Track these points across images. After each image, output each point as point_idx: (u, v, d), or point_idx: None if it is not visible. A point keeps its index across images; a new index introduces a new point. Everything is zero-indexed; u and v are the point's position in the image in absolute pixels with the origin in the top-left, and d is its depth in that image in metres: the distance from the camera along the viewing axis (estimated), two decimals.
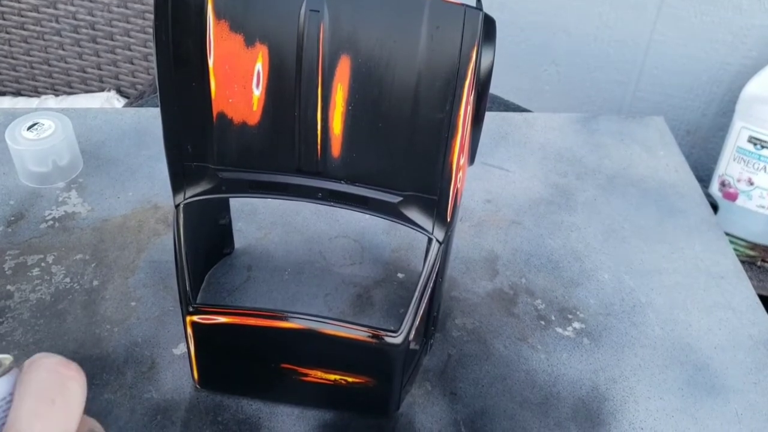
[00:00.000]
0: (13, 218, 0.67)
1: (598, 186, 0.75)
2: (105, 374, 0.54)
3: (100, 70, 1.47)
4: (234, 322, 0.49)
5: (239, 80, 0.46)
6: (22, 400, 0.28)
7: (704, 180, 1.28)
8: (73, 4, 1.40)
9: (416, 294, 0.48)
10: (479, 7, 0.43)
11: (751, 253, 1.21)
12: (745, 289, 0.65)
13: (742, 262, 0.69)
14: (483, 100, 0.46)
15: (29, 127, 0.69)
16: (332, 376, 0.51)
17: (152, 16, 0.45)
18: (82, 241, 0.65)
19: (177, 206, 0.51)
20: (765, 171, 1.14)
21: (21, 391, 0.29)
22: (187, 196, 0.51)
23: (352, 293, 0.61)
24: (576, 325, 0.61)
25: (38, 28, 1.44)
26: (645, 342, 0.60)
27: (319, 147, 0.48)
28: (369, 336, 0.48)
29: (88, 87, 1.50)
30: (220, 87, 0.46)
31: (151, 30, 0.45)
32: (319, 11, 0.43)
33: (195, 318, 0.49)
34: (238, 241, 0.65)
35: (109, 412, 0.52)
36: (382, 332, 0.47)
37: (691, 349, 0.60)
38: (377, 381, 0.51)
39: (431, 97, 0.45)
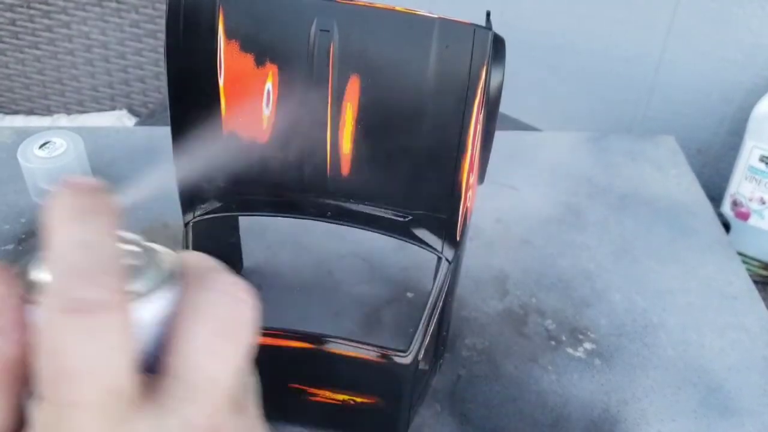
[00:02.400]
0: (24, 236, 0.67)
1: (609, 205, 0.75)
2: None
3: (112, 89, 1.48)
4: None
5: (249, 99, 0.46)
6: (196, 330, 0.23)
7: (716, 199, 1.27)
8: (86, 25, 1.41)
9: (426, 313, 0.47)
10: (489, 26, 0.43)
11: (764, 273, 1.20)
12: (758, 310, 0.64)
13: (755, 282, 0.68)
14: (493, 119, 0.45)
15: (41, 146, 0.70)
16: (340, 396, 0.50)
17: (164, 36, 0.45)
18: None
19: (186, 225, 0.51)
20: None
21: (194, 317, 0.24)
22: (196, 215, 0.51)
23: (361, 312, 0.61)
24: (587, 345, 0.60)
25: (52, 48, 1.45)
26: (657, 363, 0.59)
27: (328, 166, 0.48)
28: (378, 356, 0.47)
29: (99, 106, 1.51)
30: (230, 106, 0.47)
31: (162, 50, 0.45)
32: (329, 31, 0.44)
33: None
34: (247, 260, 0.65)
35: None
36: (391, 352, 0.47)
37: (704, 370, 0.59)
38: (386, 401, 0.50)
39: (441, 116, 0.45)
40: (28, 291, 0.23)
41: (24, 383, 0.22)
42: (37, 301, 0.22)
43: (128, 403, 0.22)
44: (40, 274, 0.23)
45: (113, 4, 1.38)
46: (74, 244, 0.22)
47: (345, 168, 0.48)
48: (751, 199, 1.18)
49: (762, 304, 0.65)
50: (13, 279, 0.23)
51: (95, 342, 0.21)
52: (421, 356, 0.47)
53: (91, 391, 0.21)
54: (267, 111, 0.46)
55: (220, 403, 0.24)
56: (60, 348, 0.21)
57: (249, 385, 0.26)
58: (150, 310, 0.23)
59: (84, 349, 0.21)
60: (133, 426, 0.22)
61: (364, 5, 0.44)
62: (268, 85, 0.46)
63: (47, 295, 0.22)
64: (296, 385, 0.50)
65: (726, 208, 1.22)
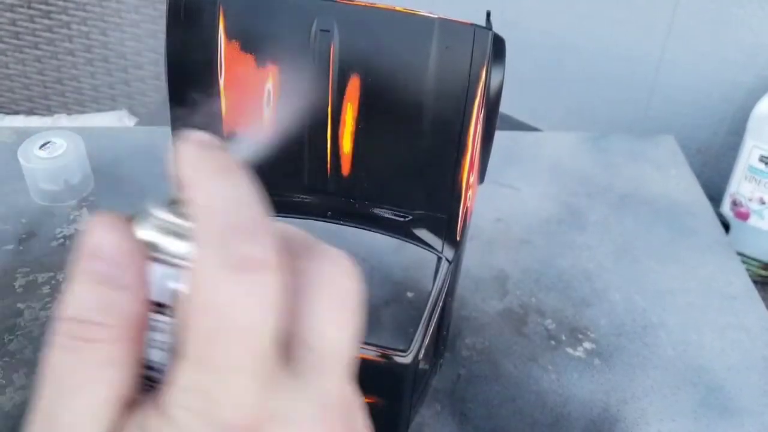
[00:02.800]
0: (24, 236, 0.67)
1: (609, 205, 0.75)
2: None
3: (113, 89, 1.48)
4: None
5: (250, 99, 0.46)
6: (321, 299, 0.22)
7: (716, 199, 1.27)
8: (86, 25, 1.41)
9: (426, 313, 0.47)
10: (489, 26, 0.43)
11: (764, 273, 1.20)
12: (758, 310, 0.64)
13: (755, 282, 0.68)
14: (493, 119, 0.46)
15: (41, 146, 0.70)
16: None
17: (164, 36, 0.45)
18: None
19: None
20: None
21: (316, 288, 0.23)
22: None
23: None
24: (587, 345, 0.60)
25: (52, 48, 1.45)
26: (657, 363, 0.59)
27: (329, 166, 0.48)
28: (378, 355, 0.47)
29: (100, 106, 1.51)
30: (230, 106, 0.47)
31: (163, 50, 0.45)
32: (329, 31, 0.44)
33: None
34: None
35: None
36: (391, 352, 0.47)
37: (704, 370, 0.59)
38: (386, 401, 0.50)
39: (441, 117, 0.45)
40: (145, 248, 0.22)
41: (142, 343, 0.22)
42: (157, 258, 0.22)
43: (273, 370, 0.21)
44: (151, 233, 0.22)
45: (113, 5, 1.38)
46: (228, 199, 0.21)
47: (345, 168, 0.48)
48: (750, 199, 1.18)
49: (762, 304, 0.65)
50: (134, 235, 0.22)
51: (256, 301, 0.20)
52: (421, 356, 0.47)
53: (246, 353, 0.20)
54: (267, 111, 0.46)
55: (345, 374, 0.23)
56: (219, 305, 0.20)
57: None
58: None
59: (245, 307, 0.20)
60: (279, 395, 0.21)
61: (365, 5, 0.44)
62: (269, 85, 0.46)
63: (204, 251, 0.20)
64: None
65: (726, 208, 1.22)
